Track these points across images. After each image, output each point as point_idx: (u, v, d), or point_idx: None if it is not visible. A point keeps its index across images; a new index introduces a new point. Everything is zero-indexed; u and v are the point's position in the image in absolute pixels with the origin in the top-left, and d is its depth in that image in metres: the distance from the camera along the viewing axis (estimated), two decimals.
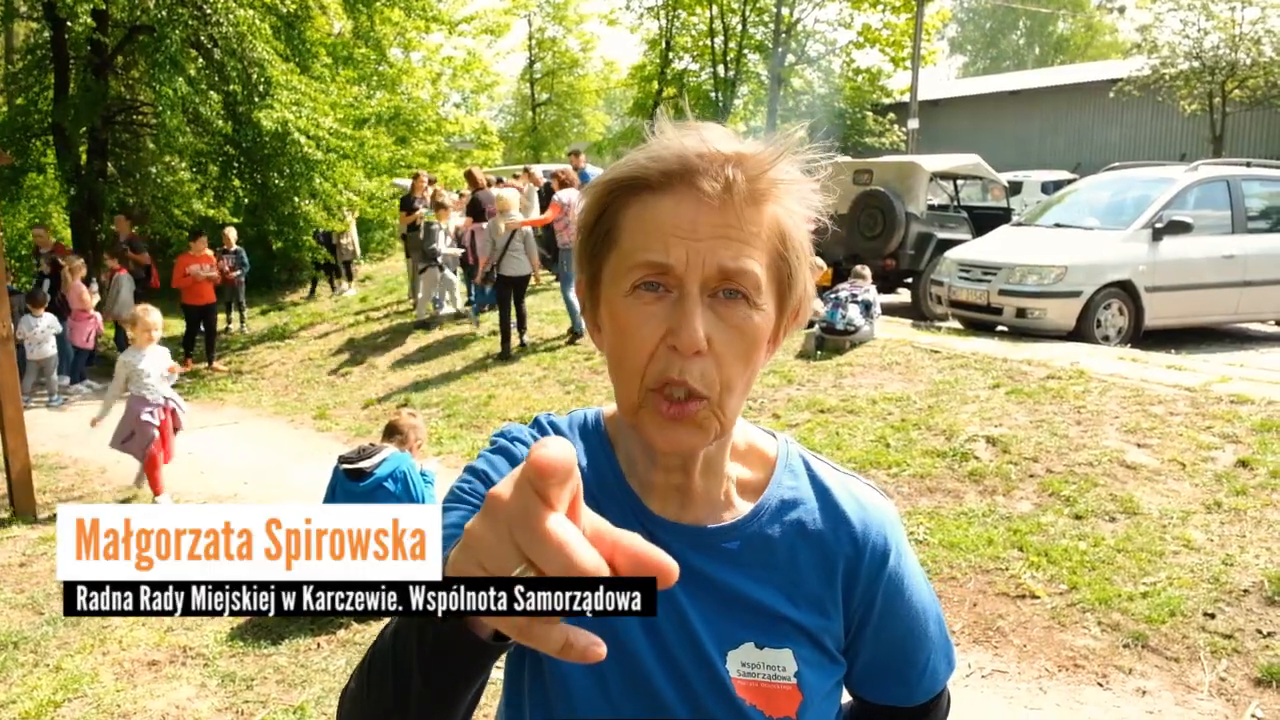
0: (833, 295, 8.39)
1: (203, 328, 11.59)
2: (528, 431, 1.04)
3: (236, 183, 13.10)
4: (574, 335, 9.88)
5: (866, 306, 8.36)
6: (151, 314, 6.23)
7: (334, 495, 4.47)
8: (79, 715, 3.56)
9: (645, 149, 0.88)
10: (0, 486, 6.33)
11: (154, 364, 6.11)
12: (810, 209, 0.90)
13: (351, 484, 4.35)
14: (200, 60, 11.94)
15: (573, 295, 9.82)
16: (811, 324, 8.38)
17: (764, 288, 0.86)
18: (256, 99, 11.45)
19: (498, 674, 1.09)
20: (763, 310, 0.87)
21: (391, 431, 4.62)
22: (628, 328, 0.86)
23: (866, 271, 8.89)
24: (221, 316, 14.29)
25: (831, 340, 8.22)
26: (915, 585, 1.02)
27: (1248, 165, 10.03)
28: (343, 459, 4.51)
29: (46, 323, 9.87)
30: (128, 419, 6.10)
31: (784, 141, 0.87)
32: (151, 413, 6.09)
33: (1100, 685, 3.65)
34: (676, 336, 0.83)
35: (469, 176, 12.16)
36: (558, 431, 1.03)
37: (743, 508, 0.98)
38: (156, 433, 6.09)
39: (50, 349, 9.89)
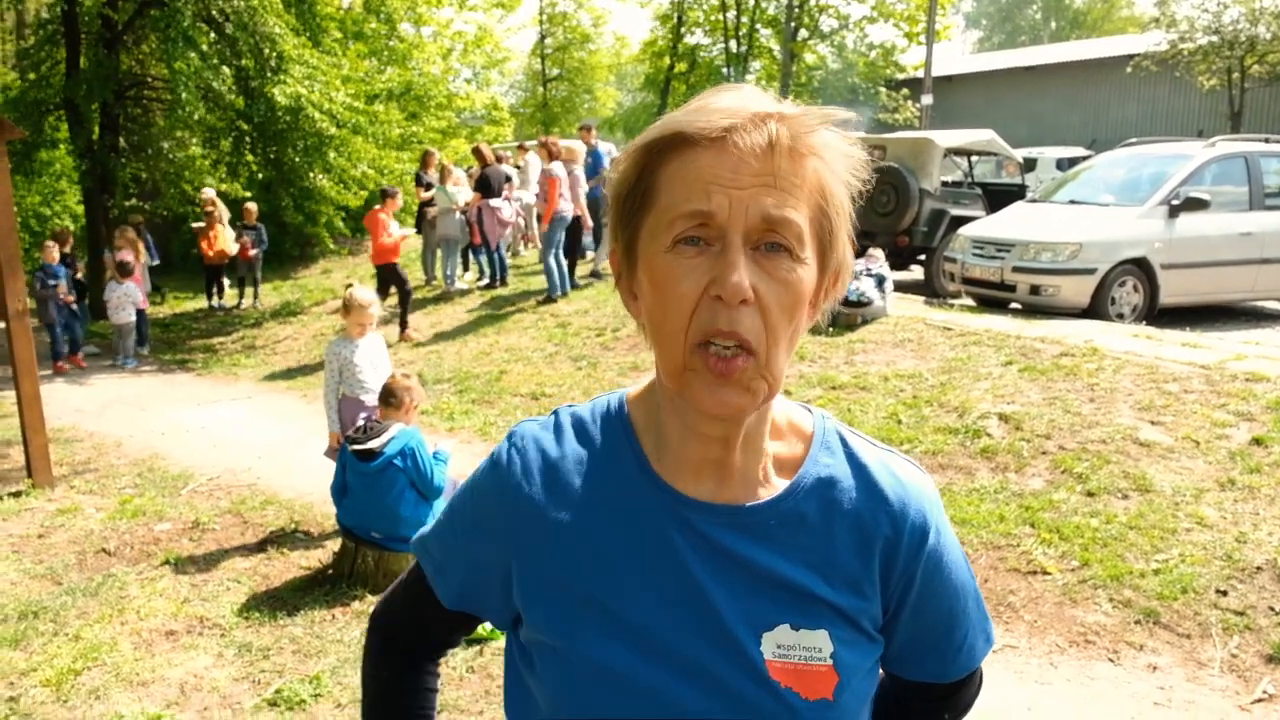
0: None
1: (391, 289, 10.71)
2: (529, 439, 1.01)
3: (250, 158, 13.11)
4: (547, 298, 10.46)
5: (880, 280, 8.35)
6: (372, 306, 5.24)
7: (344, 474, 4.49)
8: (98, 683, 3.61)
9: (684, 108, 0.88)
10: (18, 459, 6.39)
11: (368, 356, 5.22)
12: (851, 173, 0.89)
13: (362, 464, 4.36)
14: (212, 35, 11.91)
15: (551, 261, 10.37)
16: None
17: (806, 241, 0.85)
18: (269, 74, 11.42)
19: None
20: (806, 264, 0.86)
21: (387, 394, 4.60)
22: (668, 283, 0.84)
23: (879, 253, 8.89)
24: (233, 292, 14.39)
25: (844, 315, 8.20)
26: (954, 562, 1.00)
27: (1266, 141, 9.91)
28: (349, 439, 4.51)
29: (126, 290, 10.31)
30: (341, 424, 5.21)
31: (828, 112, 0.87)
32: (369, 417, 5.07)
33: (1111, 661, 3.66)
34: (721, 285, 0.81)
35: (476, 153, 12.15)
36: (580, 424, 1.01)
37: (779, 485, 0.96)
38: None
39: (127, 315, 10.37)
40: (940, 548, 0.98)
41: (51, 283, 10.17)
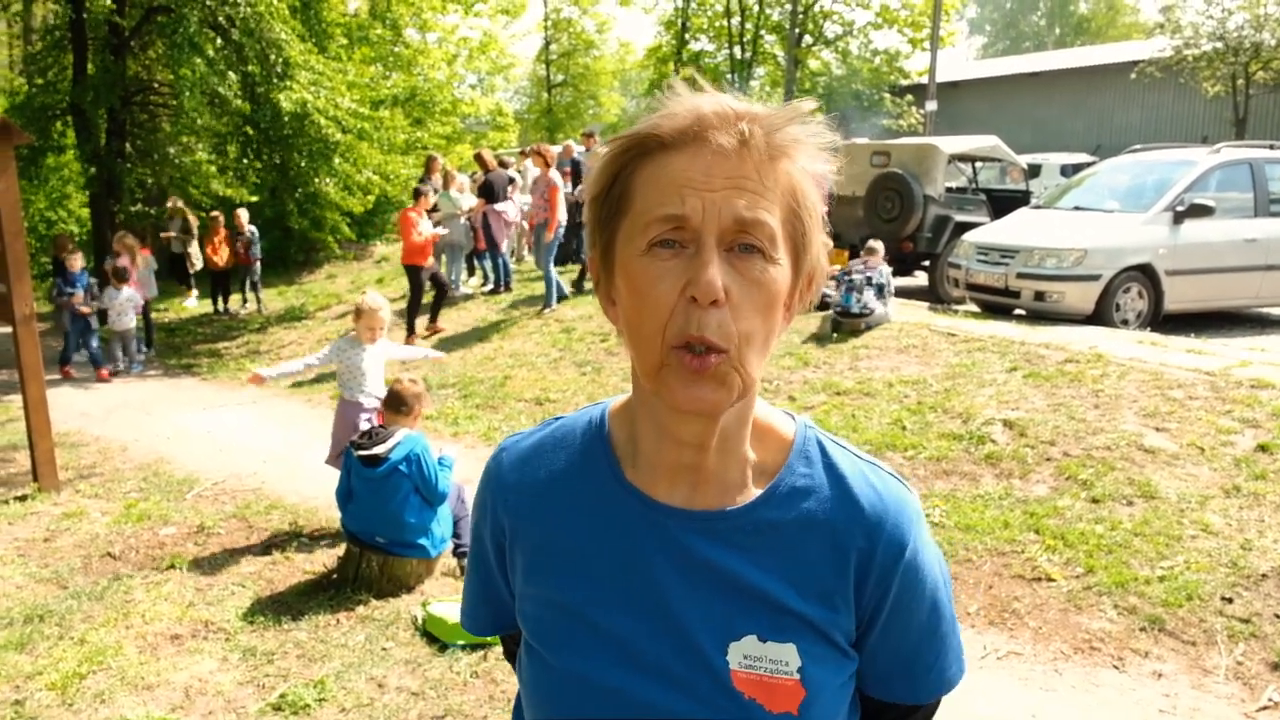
0: (846, 278, 8.29)
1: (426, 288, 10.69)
2: (510, 452, 1.06)
3: (256, 164, 13.15)
4: (545, 305, 10.52)
5: (880, 289, 8.30)
6: (382, 310, 5.24)
7: (349, 479, 4.50)
8: (103, 687, 3.61)
9: (658, 112, 0.88)
10: (24, 463, 6.41)
11: (376, 362, 5.25)
12: (821, 171, 0.90)
13: (367, 470, 4.37)
14: (218, 41, 11.96)
15: (552, 270, 10.41)
16: (826, 306, 8.34)
17: (779, 243, 0.86)
18: (275, 79, 11.46)
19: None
20: (779, 264, 0.86)
21: (395, 400, 4.59)
22: (644, 286, 0.85)
23: (879, 246, 8.73)
24: (236, 297, 14.43)
25: (847, 322, 8.19)
26: (931, 580, 0.98)
27: (1271, 148, 9.91)
28: (354, 444, 4.52)
29: (126, 295, 10.16)
30: (342, 428, 5.17)
31: (796, 108, 0.88)
32: (370, 419, 5.13)
33: (1116, 668, 3.65)
34: (695, 286, 0.82)
35: (479, 159, 12.17)
36: (563, 434, 1.05)
37: (755, 492, 0.95)
38: None
39: (129, 320, 10.24)
40: (917, 564, 0.96)
41: (68, 290, 9.89)
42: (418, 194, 10.71)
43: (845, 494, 0.96)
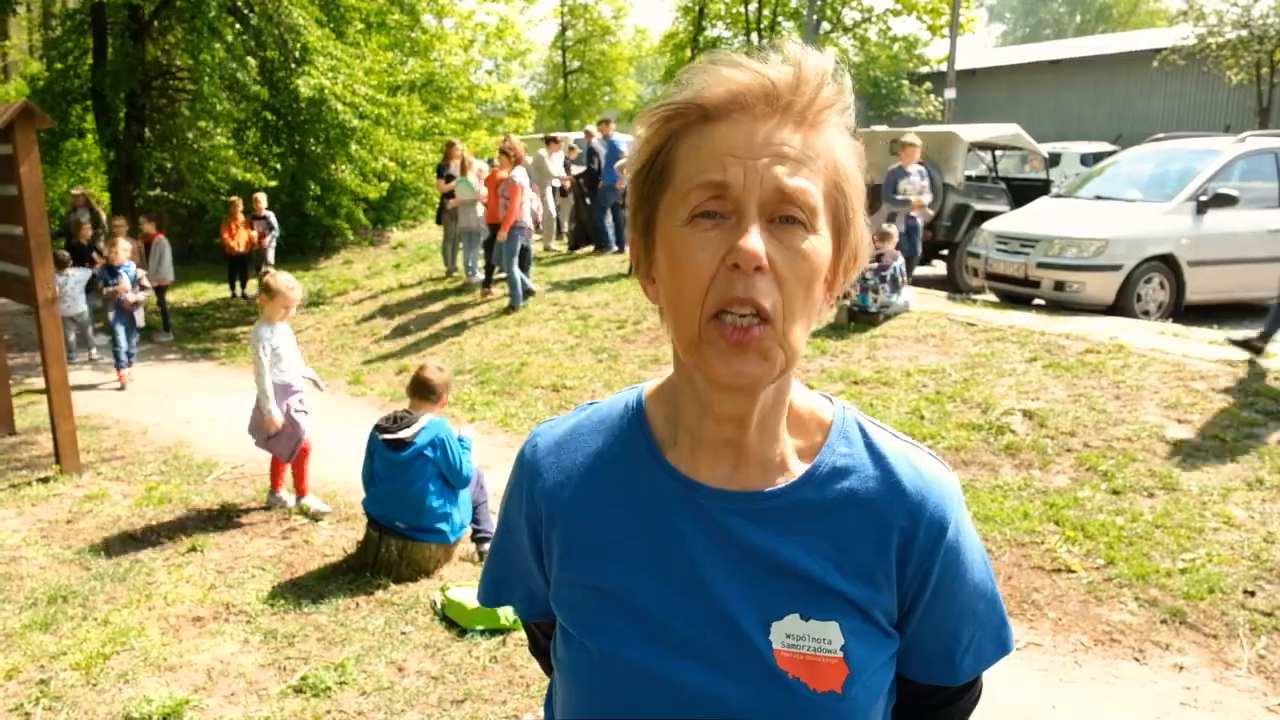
0: (860, 277, 8.04)
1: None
2: (545, 437, 1.06)
3: (276, 149, 13.19)
4: (511, 308, 10.37)
5: (895, 282, 8.14)
6: (294, 290, 5.21)
7: (373, 462, 4.51)
8: (127, 667, 3.65)
9: (699, 79, 0.88)
10: (47, 446, 6.47)
11: (287, 340, 5.25)
12: (857, 144, 0.90)
13: (392, 454, 4.39)
14: (237, 26, 11.98)
15: (516, 269, 10.22)
16: (845, 295, 8.25)
17: (820, 214, 0.85)
18: (293, 65, 11.49)
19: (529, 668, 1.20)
20: (821, 236, 0.86)
21: (421, 387, 4.57)
22: (685, 255, 0.85)
23: (892, 230, 8.56)
24: (254, 282, 14.50)
25: (865, 318, 8.11)
26: (972, 561, 0.98)
27: None
28: (380, 428, 4.53)
29: (76, 278, 9.59)
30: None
31: (842, 83, 0.88)
32: (302, 400, 5.28)
33: (1137, 660, 3.64)
34: (737, 253, 0.82)
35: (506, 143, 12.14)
36: (598, 418, 1.04)
37: (796, 471, 0.95)
38: (307, 429, 5.32)
39: (80, 305, 9.69)
40: (959, 545, 0.96)
41: (113, 282, 9.03)
42: (504, 153, 10.65)
43: (887, 473, 0.95)
